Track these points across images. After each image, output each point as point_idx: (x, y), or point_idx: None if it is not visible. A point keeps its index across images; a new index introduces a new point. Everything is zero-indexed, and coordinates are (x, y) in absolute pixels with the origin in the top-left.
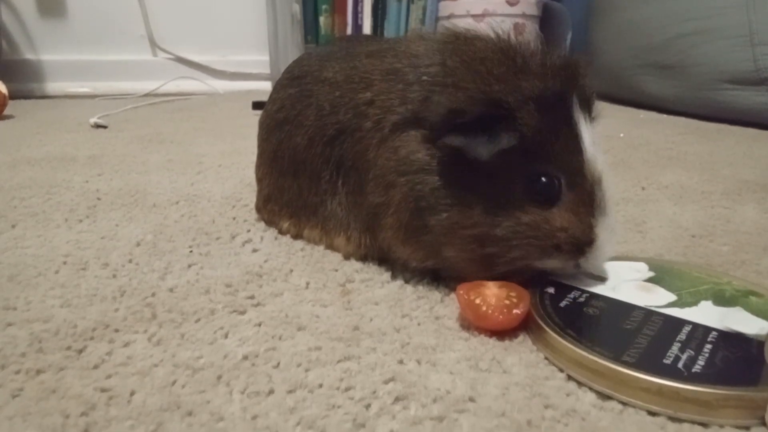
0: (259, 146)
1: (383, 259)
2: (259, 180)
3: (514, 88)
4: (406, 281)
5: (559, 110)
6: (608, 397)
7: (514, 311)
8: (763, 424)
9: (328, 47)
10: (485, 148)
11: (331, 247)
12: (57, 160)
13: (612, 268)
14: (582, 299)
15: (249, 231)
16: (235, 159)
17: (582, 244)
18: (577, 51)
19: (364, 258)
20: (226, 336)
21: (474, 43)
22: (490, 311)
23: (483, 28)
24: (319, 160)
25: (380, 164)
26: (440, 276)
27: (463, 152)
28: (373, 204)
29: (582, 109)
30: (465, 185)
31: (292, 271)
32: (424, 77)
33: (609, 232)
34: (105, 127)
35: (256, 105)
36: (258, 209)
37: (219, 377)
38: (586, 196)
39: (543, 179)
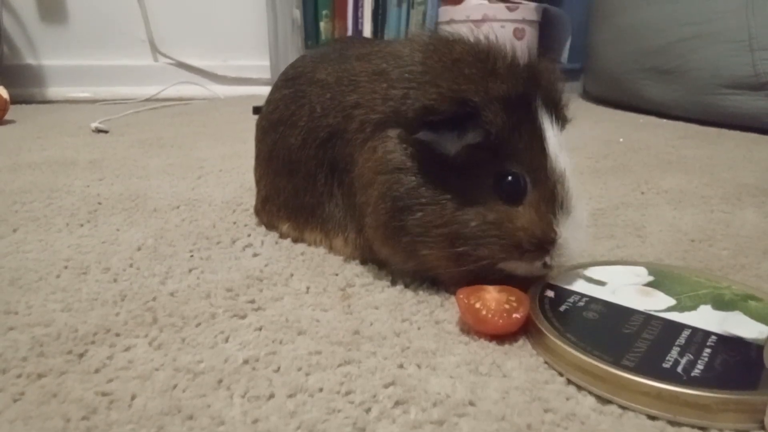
0: (256, 147)
1: (382, 262)
2: (257, 181)
3: (482, 89)
4: (407, 286)
5: (524, 111)
6: (608, 401)
7: (514, 315)
8: (762, 428)
9: (323, 48)
10: (452, 143)
11: (331, 248)
12: (58, 164)
13: (611, 272)
14: (581, 303)
15: (249, 235)
16: (235, 163)
17: (543, 243)
18: (577, 55)
19: (362, 260)
20: (226, 340)
21: (453, 46)
22: (489, 315)
23: (466, 32)
24: (312, 162)
25: (361, 164)
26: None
27: (433, 148)
28: (358, 203)
29: (549, 110)
30: (438, 185)
31: (292, 275)
32: (406, 74)
33: (574, 230)
34: (106, 131)
35: (257, 110)
36: (257, 211)
37: (219, 381)
38: (548, 195)
39: (509, 177)
